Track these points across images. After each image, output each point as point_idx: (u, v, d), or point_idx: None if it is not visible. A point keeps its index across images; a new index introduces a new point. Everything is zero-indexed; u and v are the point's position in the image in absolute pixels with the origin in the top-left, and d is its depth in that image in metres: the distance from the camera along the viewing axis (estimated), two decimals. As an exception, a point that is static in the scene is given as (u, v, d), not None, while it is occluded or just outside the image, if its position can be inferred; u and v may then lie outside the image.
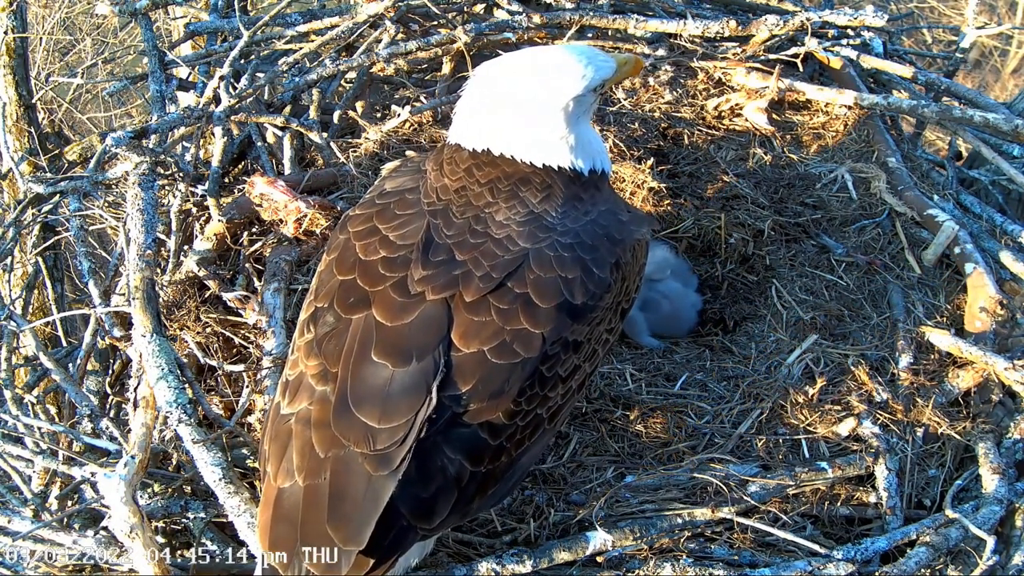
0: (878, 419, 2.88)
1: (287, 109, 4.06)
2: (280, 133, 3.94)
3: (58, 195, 3.61)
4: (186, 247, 3.41)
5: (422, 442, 2.01)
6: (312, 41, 4.18)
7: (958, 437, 2.88)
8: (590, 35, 4.48)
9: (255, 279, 3.18)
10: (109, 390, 3.31)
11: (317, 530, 1.98)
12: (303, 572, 1.99)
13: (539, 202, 2.37)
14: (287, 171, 3.75)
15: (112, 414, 3.19)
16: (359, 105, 4.20)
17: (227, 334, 3.01)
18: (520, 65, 2.41)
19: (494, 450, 2.11)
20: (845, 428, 2.88)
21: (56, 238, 4.17)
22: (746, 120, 4.23)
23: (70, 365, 3.50)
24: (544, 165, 2.40)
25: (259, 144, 3.92)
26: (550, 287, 2.19)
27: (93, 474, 2.67)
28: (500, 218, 2.32)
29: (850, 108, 4.23)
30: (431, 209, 2.35)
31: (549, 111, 2.37)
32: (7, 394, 3.34)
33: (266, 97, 4.08)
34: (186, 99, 4.36)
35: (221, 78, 3.75)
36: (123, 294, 3.27)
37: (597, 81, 2.40)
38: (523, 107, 2.38)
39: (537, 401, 2.17)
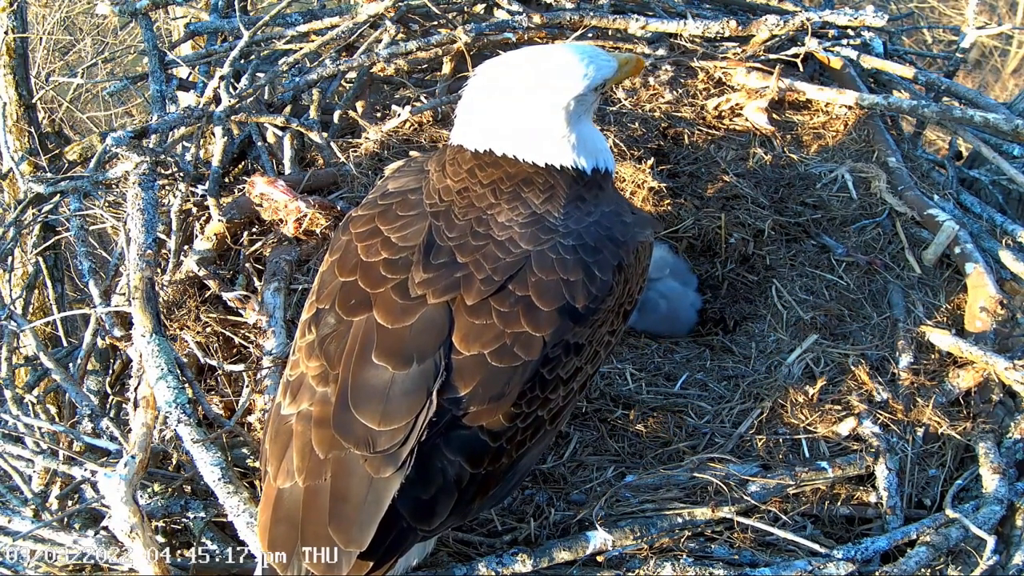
0: (878, 419, 2.88)
1: (287, 109, 4.06)
2: (280, 133, 3.94)
3: (58, 195, 3.61)
4: (186, 247, 3.41)
5: (422, 444, 2.01)
6: (312, 41, 4.18)
7: (958, 437, 2.88)
8: (590, 35, 4.48)
9: (255, 279, 3.18)
10: (109, 390, 3.31)
11: (318, 531, 1.98)
12: (303, 572, 1.99)
13: (541, 203, 2.36)
14: (287, 171, 3.75)
15: (112, 414, 3.20)
16: (359, 105, 4.20)
17: (227, 334, 3.01)
18: (521, 64, 2.40)
19: (494, 452, 2.11)
20: (845, 428, 2.88)
21: (56, 238, 4.17)
22: (746, 120, 4.23)
23: (70, 365, 3.50)
24: (546, 165, 2.39)
25: (259, 144, 3.92)
26: (552, 290, 2.18)
27: (93, 474, 2.68)
28: (502, 219, 2.31)
29: (850, 108, 4.23)
30: (433, 211, 2.35)
31: (551, 110, 2.36)
32: (7, 394, 3.34)
33: (266, 97, 4.08)
34: (186, 99, 4.36)
35: (221, 78, 3.75)
36: (123, 294, 3.27)
37: (598, 80, 2.39)
38: (524, 106, 2.37)
39: (538, 403, 2.17)
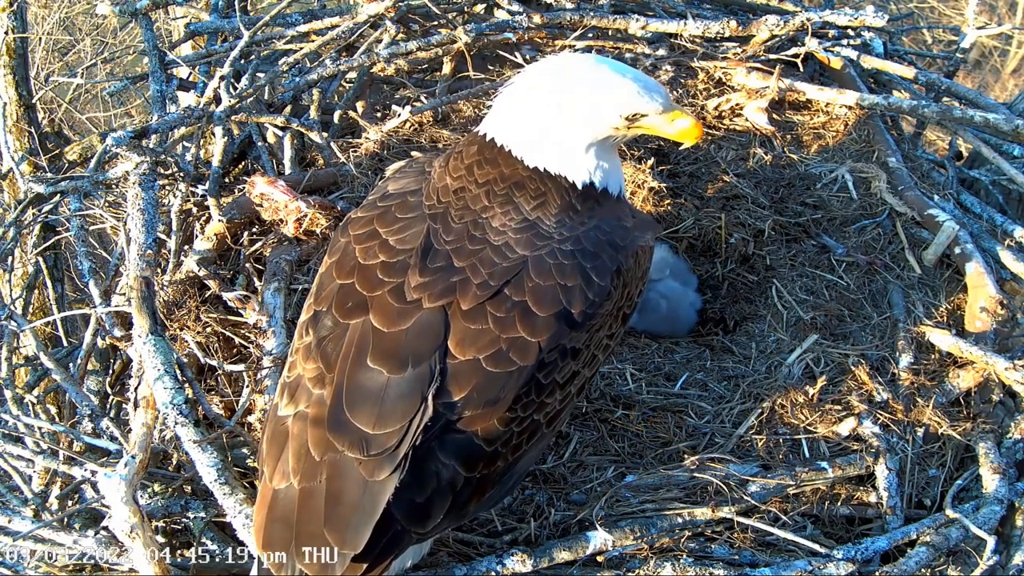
0: (878, 419, 2.88)
1: (287, 109, 4.06)
2: (280, 133, 3.94)
3: (58, 195, 3.61)
4: (186, 247, 3.41)
5: (417, 448, 2.00)
6: (312, 41, 4.19)
7: (958, 437, 2.88)
8: (591, 35, 4.48)
9: (255, 279, 3.18)
10: (109, 390, 3.32)
11: (313, 531, 1.98)
12: (297, 573, 2.00)
13: (532, 209, 2.31)
14: (287, 171, 3.75)
15: (112, 414, 3.20)
16: (359, 105, 4.20)
17: (227, 334, 3.01)
18: (548, 68, 2.36)
19: (489, 456, 2.10)
20: (845, 428, 2.88)
21: (56, 238, 4.17)
22: (746, 120, 4.23)
23: (70, 365, 3.50)
24: (535, 168, 2.33)
25: (259, 144, 3.92)
26: (548, 295, 2.17)
27: (93, 474, 2.68)
28: (496, 224, 2.29)
29: (850, 108, 4.23)
30: (431, 213, 2.33)
31: (555, 112, 2.30)
32: (7, 394, 3.34)
33: (266, 97, 4.08)
34: (186, 99, 4.36)
35: (221, 78, 3.75)
36: (123, 294, 3.28)
37: (617, 106, 2.29)
38: (526, 105, 2.33)
39: (533, 408, 2.16)
